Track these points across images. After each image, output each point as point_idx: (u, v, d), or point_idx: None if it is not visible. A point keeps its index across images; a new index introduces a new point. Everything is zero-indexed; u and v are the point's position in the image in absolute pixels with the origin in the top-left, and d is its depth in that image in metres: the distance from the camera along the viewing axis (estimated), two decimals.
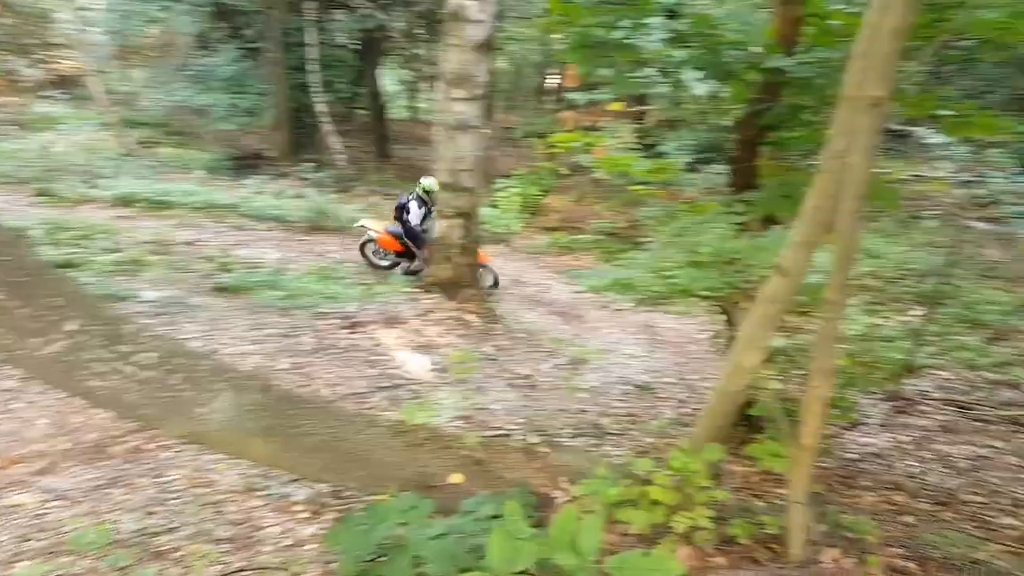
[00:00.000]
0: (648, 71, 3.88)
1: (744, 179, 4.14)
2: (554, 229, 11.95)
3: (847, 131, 2.08)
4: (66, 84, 17.18)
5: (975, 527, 4.03)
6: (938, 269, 9.20)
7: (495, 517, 2.72)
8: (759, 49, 3.47)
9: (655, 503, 2.54)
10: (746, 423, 4.80)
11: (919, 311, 8.83)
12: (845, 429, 6.00)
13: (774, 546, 2.66)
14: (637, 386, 7.11)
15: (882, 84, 1.93)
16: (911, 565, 2.65)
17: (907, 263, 9.95)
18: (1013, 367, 7.25)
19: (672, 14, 3.81)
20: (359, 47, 16.56)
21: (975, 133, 4.20)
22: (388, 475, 3.07)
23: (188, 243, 9.73)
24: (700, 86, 5.01)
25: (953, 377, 7.19)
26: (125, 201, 10.88)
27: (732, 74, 3.62)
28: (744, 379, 2.59)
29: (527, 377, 6.98)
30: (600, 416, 6.11)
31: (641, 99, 13.86)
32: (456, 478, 3.01)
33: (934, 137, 7.35)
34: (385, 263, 9.53)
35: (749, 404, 4.48)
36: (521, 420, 5.77)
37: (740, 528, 2.62)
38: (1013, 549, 3.52)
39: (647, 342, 8.79)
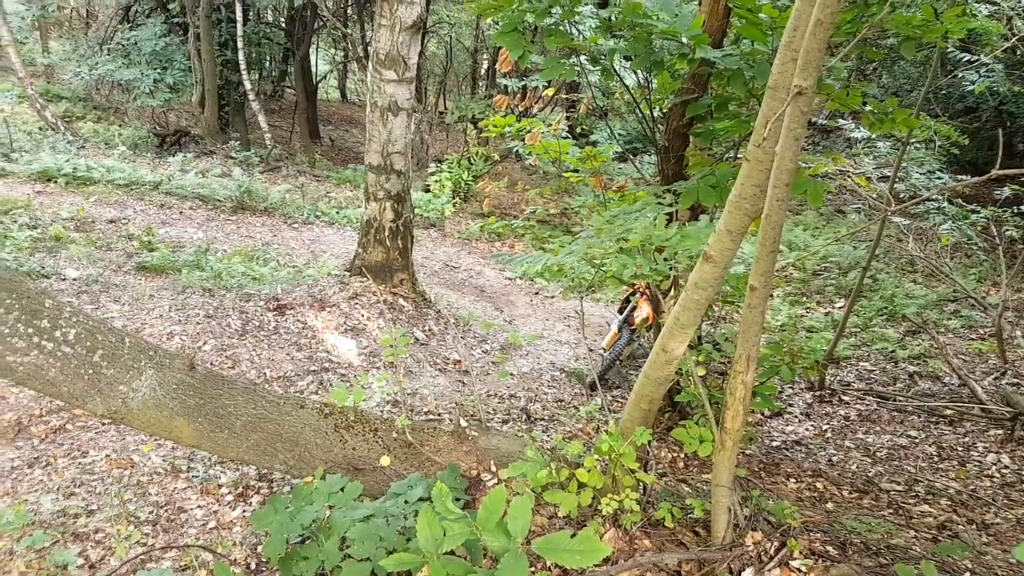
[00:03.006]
0: (579, 59, 3.86)
1: (673, 169, 4.16)
2: (486, 215, 11.91)
3: (772, 120, 2.08)
4: None
5: (892, 514, 4.16)
6: (860, 262, 9.53)
7: (424, 500, 2.68)
8: (688, 40, 3.47)
9: (583, 486, 2.52)
10: (673, 408, 4.87)
11: (841, 303, 9.14)
12: (769, 418, 6.16)
13: (699, 529, 2.68)
14: (566, 372, 7.15)
15: (807, 74, 1.92)
16: (831, 549, 2.70)
17: (830, 256, 10.26)
18: (931, 359, 7.54)
19: (604, 2, 3.80)
20: (289, 25, 16.14)
21: (895, 129, 4.31)
22: (316, 457, 2.98)
23: (111, 221, 9.35)
24: (629, 76, 5.03)
25: (874, 368, 7.44)
26: (45, 177, 10.36)
27: (661, 64, 3.62)
28: (671, 365, 2.59)
29: (457, 362, 6.94)
30: (530, 402, 6.12)
31: (574, 86, 13.89)
32: (385, 461, 2.95)
33: (859, 132, 7.56)
34: None
35: (678, 390, 4.55)
36: (451, 405, 5.73)
37: (666, 511, 2.63)
38: (929, 536, 3.63)
39: (576, 329, 8.83)
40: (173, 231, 9.53)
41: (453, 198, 11.79)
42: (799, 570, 2.38)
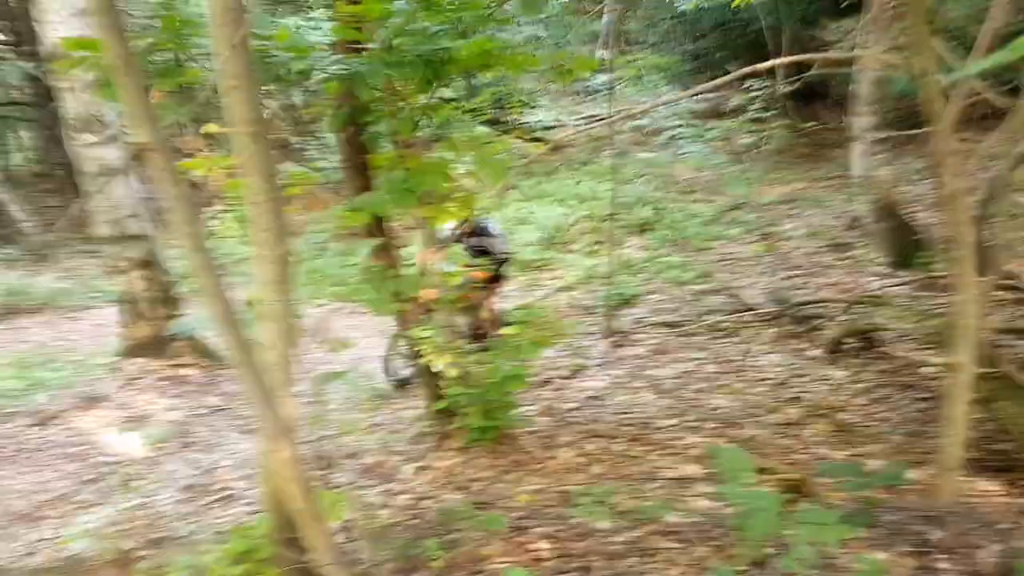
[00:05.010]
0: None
1: (359, 181, 3.97)
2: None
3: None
4: None
5: (660, 455, 4.21)
6: (643, 198, 9.81)
7: None
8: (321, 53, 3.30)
9: None
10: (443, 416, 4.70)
11: (632, 242, 9.37)
12: (568, 378, 6.15)
13: None
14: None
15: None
16: (544, 544, 2.62)
17: (616, 199, 10.48)
18: (715, 275, 7.83)
19: None
20: (25, 101, 14.77)
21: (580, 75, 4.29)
22: None
23: None
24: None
25: (664, 299, 7.64)
26: None
27: (279, 79, 3.41)
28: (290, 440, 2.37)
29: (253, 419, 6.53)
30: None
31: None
32: None
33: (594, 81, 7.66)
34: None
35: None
36: (246, 472, 5.38)
37: None
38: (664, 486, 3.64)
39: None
40: None
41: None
42: None
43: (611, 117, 6.63)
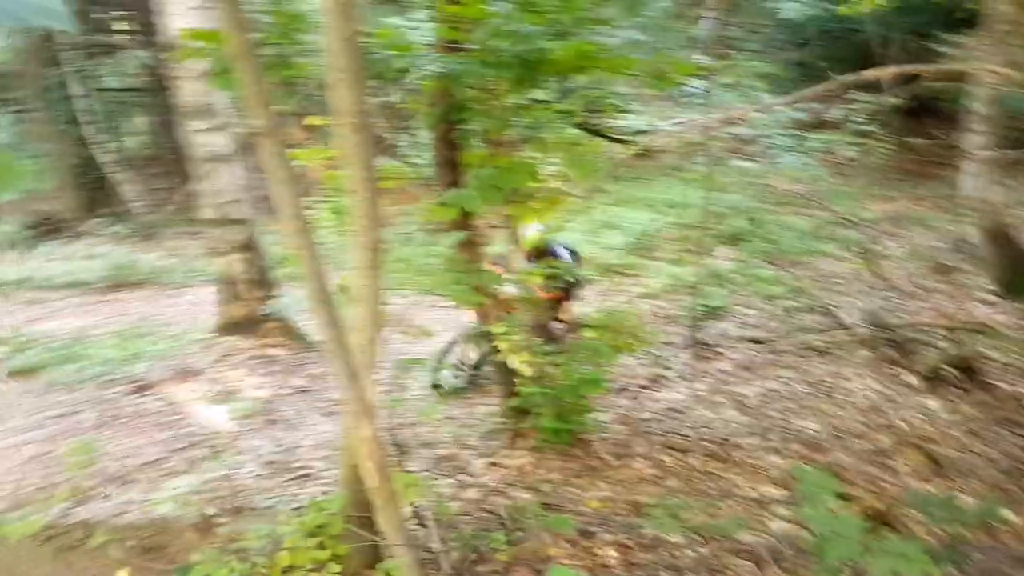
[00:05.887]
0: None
1: (449, 177, 4.02)
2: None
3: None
4: None
5: (738, 473, 4.10)
6: (735, 208, 9.57)
7: None
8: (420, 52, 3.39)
9: (287, 571, 2.34)
10: (518, 414, 4.70)
11: (722, 252, 9.14)
12: (646, 388, 6.05)
13: None
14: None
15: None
16: (611, 552, 2.59)
17: (709, 207, 10.25)
18: (809, 292, 7.56)
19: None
20: (141, 87, 15.63)
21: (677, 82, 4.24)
22: None
23: None
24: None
25: (753, 312, 7.42)
26: None
27: (382, 76, 3.49)
28: (370, 419, 2.41)
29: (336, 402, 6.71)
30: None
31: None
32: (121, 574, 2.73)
33: (695, 87, 7.52)
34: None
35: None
36: (327, 453, 5.53)
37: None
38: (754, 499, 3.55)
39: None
40: (45, 325, 9.10)
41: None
42: None
43: (707, 122, 6.49)
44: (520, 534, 2.90)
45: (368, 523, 2.38)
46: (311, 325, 8.14)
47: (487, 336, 5.39)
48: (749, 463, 4.19)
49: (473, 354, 6.18)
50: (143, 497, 4.71)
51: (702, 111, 7.09)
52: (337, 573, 2.34)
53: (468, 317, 5.98)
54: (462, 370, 6.18)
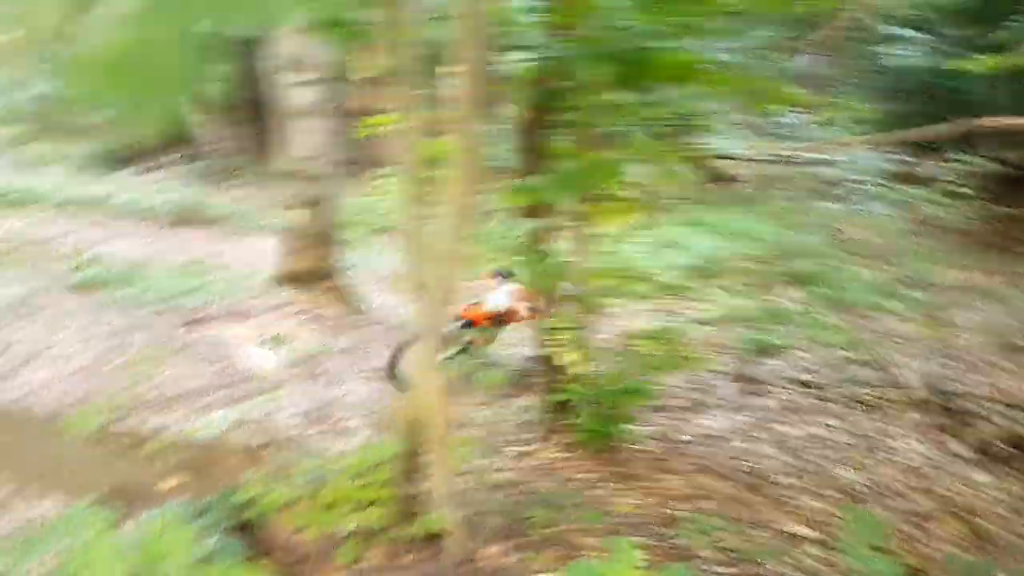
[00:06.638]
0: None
1: (528, 164, 4.02)
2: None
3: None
4: None
5: (773, 508, 4.02)
6: (808, 249, 9.38)
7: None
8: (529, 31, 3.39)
9: (329, 506, 2.38)
10: (558, 409, 4.70)
11: (788, 291, 8.96)
12: (687, 410, 5.98)
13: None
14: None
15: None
16: (638, 553, 2.56)
17: (780, 244, 10.08)
18: (867, 345, 7.37)
19: None
20: (236, 33, 16.04)
21: (770, 105, 4.19)
22: (84, 484, 2.83)
23: (47, 240, 9.23)
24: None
25: (808, 356, 7.27)
26: None
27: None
28: (437, 373, 2.44)
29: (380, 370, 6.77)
30: None
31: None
32: (169, 484, 2.81)
33: (787, 118, 7.41)
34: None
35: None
36: (364, 412, 5.60)
37: (416, 526, 2.47)
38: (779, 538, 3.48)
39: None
40: (111, 247, 9.40)
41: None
42: None
43: (793, 155, 6.39)
44: (554, 517, 2.88)
45: (413, 475, 2.41)
46: (361, 290, 8.29)
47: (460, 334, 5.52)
48: (785, 500, 4.11)
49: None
50: (187, 421, 4.84)
51: (789, 144, 6.98)
52: (378, 517, 2.36)
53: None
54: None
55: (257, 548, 2.73)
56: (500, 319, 6.28)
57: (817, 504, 4.11)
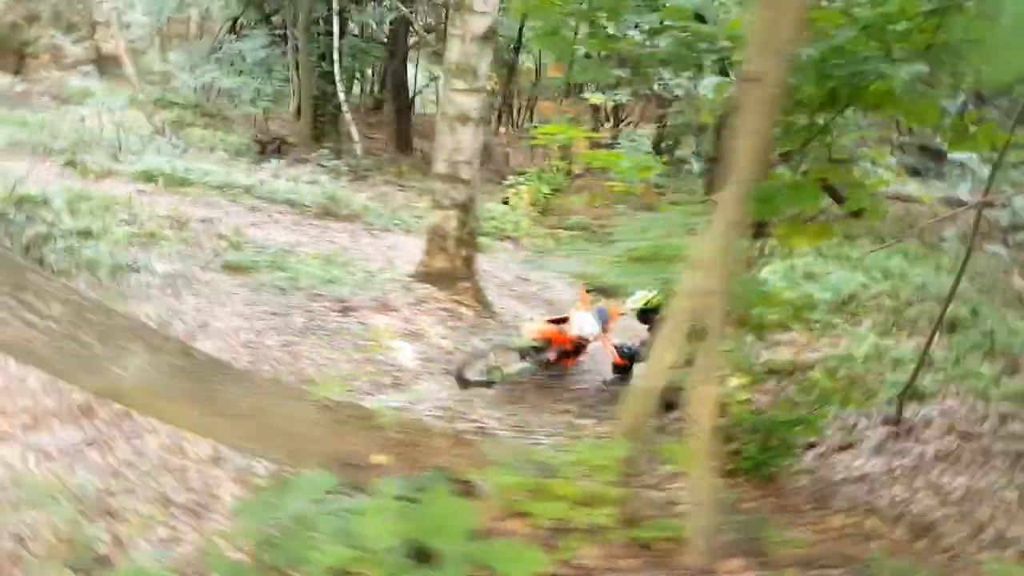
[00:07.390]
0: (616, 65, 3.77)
1: (717, 177, 3.97)
2: (561, 229, 11.83)
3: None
4: (105, 62, 17.56)
5: (949, 560, 3.81)
6: (960, 294, 8.85)
7: (402, 499, 2.62)
8: (726, 42, 3.33)
9: (558, 497, 2.40)
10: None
11: (938, 336, 8.48)
12: (838, 451, 5.76)
13: (677, 550, 2.48)
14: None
15: (763, 62, 1.79)
16: None
17: (928, 286, 9.58)
18: None
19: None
20: (386, 39, 16.70)
21: (979, 147, 4.00)
22: (311, 451, 2.96)
23: (203, 220, 9.80)
24: (708, 84, 4.87)
25: (960, 406, 6.86)
26: (147, 177, 10.99)
27: (701, 68, 3.49)
28: (663, 377, 2.43)
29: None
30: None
31: (664, 101, 13.58)
32: (379, 459, 2.90)
33: (962, 157, 7.05)
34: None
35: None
36: (498, 415, 5.66)
37: (644, 530, 2.46)
38: None
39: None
40: (260, 232, 9.91)
41: (532, 211, 11.82)
42: None
43: (966, 198, 6.06)
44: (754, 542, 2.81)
45: (636, 479, 2.42)
46: (496, 294, 8.41)
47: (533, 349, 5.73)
48: (958, 555, 3.88)
49: (511, 363, 6.17)
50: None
51: (962, 186, 6.63)
52: (606, 515, 2.37)
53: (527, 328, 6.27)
54: (491, 374, 6.06)
55: None
56: (580, 346, 6.20)
57: (996, 566, 3.86)
